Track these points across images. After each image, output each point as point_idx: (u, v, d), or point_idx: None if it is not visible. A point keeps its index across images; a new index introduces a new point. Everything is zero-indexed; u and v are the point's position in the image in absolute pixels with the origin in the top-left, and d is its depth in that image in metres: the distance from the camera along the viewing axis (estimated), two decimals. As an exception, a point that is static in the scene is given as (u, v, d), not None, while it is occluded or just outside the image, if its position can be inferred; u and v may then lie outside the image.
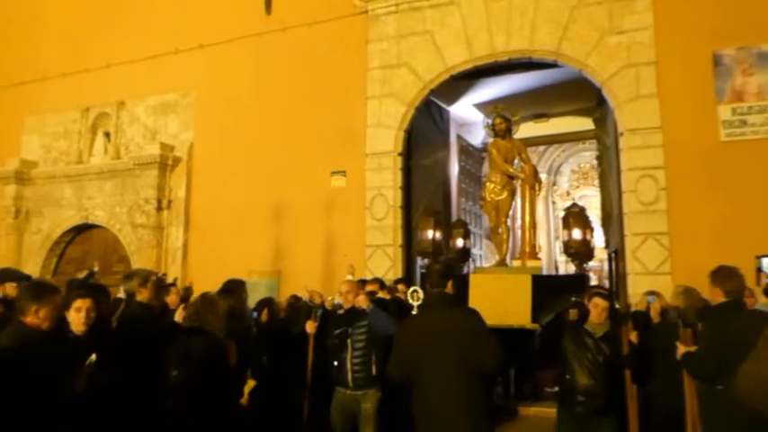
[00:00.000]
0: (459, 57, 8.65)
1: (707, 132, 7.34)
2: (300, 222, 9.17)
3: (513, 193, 8.57)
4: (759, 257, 6.42)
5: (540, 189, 8.89)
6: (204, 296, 3.87)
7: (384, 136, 8.93)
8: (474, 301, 5.97)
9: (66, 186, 11.37)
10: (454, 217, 10.56)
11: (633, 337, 4.52)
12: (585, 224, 7.62)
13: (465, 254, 9.30)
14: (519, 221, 10.11)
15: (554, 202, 18.70)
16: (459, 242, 9.20)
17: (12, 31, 12.54)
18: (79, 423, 2.98)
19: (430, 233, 8.59)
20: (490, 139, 9.43)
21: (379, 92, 9.04)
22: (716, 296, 3.74)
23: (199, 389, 3.36)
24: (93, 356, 3.20)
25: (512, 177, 8.63)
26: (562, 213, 8.62)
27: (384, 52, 9.11)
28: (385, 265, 8.51)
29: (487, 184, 8.42)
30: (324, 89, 9.39)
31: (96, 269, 8.63)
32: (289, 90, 9.69)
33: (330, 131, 9.20)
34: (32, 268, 11.15)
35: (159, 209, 10.28)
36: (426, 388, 3.25)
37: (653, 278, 7.21)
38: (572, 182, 20.26)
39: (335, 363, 4.81)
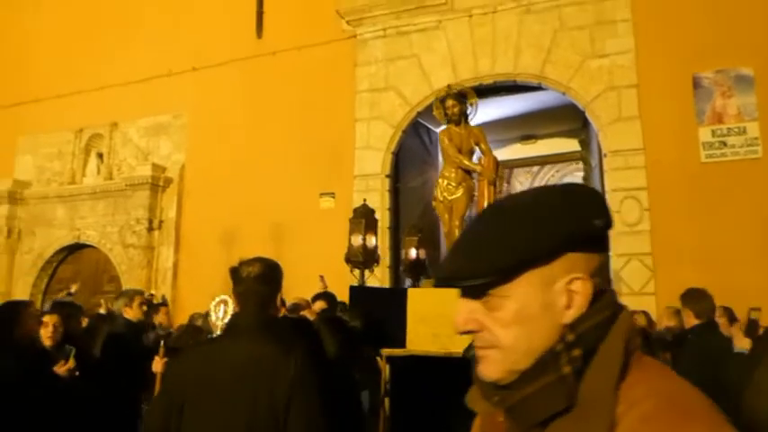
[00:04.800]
0: (445, 80, 8.74)
1: (688, 154, 7.47)
2: (289, 243, 9.24)
3: (470, 191, 6.70)
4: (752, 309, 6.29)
5: (501, 185, 7.26)
6: (190, 325, 3.98)
7: (372, 158, 9.05)
8: (412, 322, 5.19)
9: (58, 206, 11.45)
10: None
11: None
12: None
13: (419, 266, 7.99)
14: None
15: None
16: (413, 252, 7.85)
17: (6, 52, 12.68)
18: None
19: (414, 252, 7.93)
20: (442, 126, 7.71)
21: (368, 114, 9.18)
22: (687, 318, 3.83)
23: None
24: (73, 350, 3.30)
25: (468, 172, 6.74)
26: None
27: (372, 76, 9.26)
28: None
29: (439, 180, 6.65)
30: (313, 111, 9.52)
31: (74, 291, 8.69)
32: (279, 112, 9.83)
33: (319, 153, 9.31)
34: (24, 288, 11.20)
35: (150, 229, 10.35)
36: None
37: (638, 299, 7.28)
38: (565, 202, 20.41)
39: None
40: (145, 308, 7.05)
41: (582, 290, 0.88)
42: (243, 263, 2.36)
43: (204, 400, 2.11)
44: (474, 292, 0.90)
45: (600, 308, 0.89)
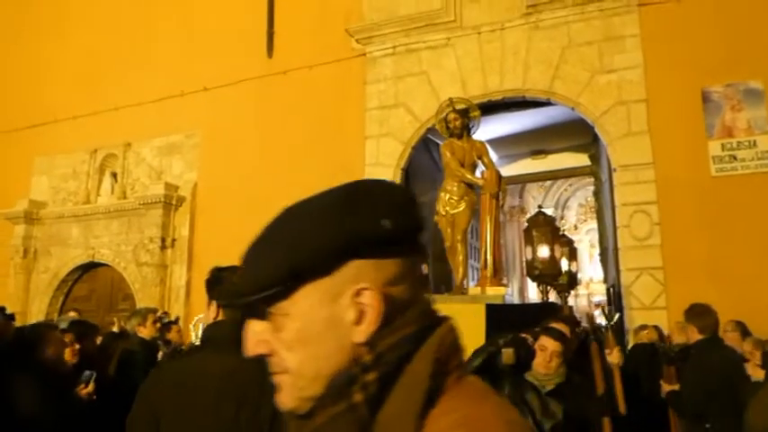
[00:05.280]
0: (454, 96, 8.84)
1: (698, 168, 7.45)
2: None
3: (472, 205, 6.69)
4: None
5: (504, 199, 7.05)
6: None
7: (382, 174, 9.09)
8: None
9: (73, 226, 11.58)
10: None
11: (615, 356, 3.59)
12: (554, 238, 5.70)
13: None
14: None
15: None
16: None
17: (23, 75, 12.91)
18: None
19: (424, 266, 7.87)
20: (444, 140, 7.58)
21: (377, 131, 9.25)
22: (691, 333, 3.85)
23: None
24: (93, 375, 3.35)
25: (470, 185, 6.73)
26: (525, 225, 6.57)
27: (382, 93, 9.34)
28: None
29: (441, 194, 6.58)
30: (323, 129, 9.60)
31: (73, 314, 8.67)
32: (290, 130, 9.92)
33: (330, 170, 9.35)
34: (40, 307, 11.32)
35: (163, 247, 10.45)
36: None
37: (649, 313, 7.26)
38: (579, 215, 20.34)
39: None
40: (158, 325, 7.15)
41: (371, 302, 0.77)
42: (221, 269, 2.20)
43: (184, 415, 1.96)
44: (255, 311, 0.80)
45: (403, 323, 0.78)
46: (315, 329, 0.78)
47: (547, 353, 3.21)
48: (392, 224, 0.80)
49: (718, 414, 3.51)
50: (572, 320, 4.54)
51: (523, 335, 3.50)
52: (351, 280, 0.78)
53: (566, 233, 18.14)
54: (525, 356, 3.30)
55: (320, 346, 0.78)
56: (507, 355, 3.33)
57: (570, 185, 19.41)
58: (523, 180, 13.01)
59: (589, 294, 17.92)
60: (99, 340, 5.83)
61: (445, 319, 0.84)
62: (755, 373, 3.35)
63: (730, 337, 4.99)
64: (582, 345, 3.51)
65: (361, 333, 0.77)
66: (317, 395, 0.77)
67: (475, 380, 0.82)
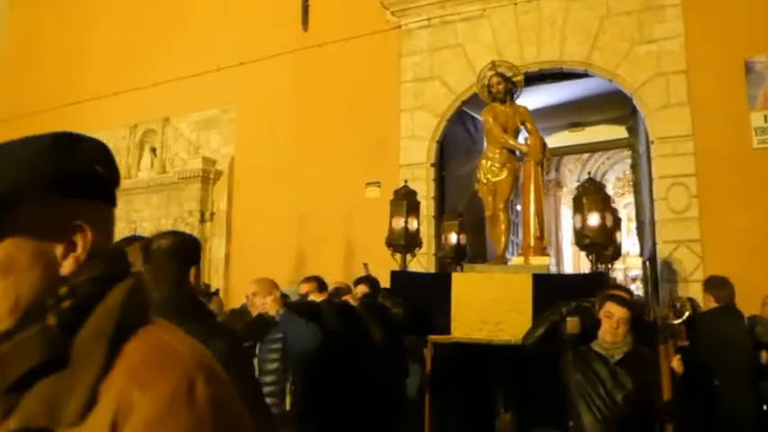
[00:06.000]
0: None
1: (739, 140, 7.31)
2: (336, 232, 9.41)
3: (515, 173, 6.27)
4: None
5: (548, 167, 6.88)
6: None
7: (417, 147, 9.13)
8: (457, 309, 4.88)
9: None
10: (489, 226, 10.57)
11: (676, 364, 3.22)
12: (605, 206, 5.34)
13: (460, 251, 7.42)
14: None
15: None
16: (453, 237, 7.26)
17: (65, 54, 13.19)
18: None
19: (454, 237, 7.21)
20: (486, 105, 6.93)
21: (412, 104, 9.25)
22: (708, 302, 4.02)
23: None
24: None
25: (513, 152, 6.36)
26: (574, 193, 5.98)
27: (417, 65, 9.32)
28: (419, 273, 8.65)
29: (483, 162, 6.22)
30: (358, 102, 9.65)
31: None
32: (325, 103, 9.99)
33: (365, 143, 9.44)
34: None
35: (202, 221, 10.68)
36: None
37: (685, 285, 7.22)
38: (617, 189, 20.06)
39: None
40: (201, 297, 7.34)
41: (82, 240, 0.80)
42: (154, 236, 2.17)
43: None
44: None
45: (102, 264, 0.82)
46: (19, 262, 0.77)
47: (614, 319, 3.02)
48: (104, 171, 0.87)
49: (725, 373, 3.64)
50: (629, 291, 4.44)
51: (580, 304, 3.33)
52: (66, 216, 0.80)
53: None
54: (590, 326, 3.13)
55: (23, 279, 0.77)
56: (572, 323, 3.19)
57: (608, 159, 19.13)
58: (560, 153, 12.92)
59: (625, 269, 17.76)
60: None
61: (137, 273, 0.88)
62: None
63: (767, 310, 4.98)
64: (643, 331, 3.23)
65: (67, 266, 0.79)
66: (9, 328, 0.76)
67: (163, 320, 0.85)
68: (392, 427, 4.45)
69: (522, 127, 6.36)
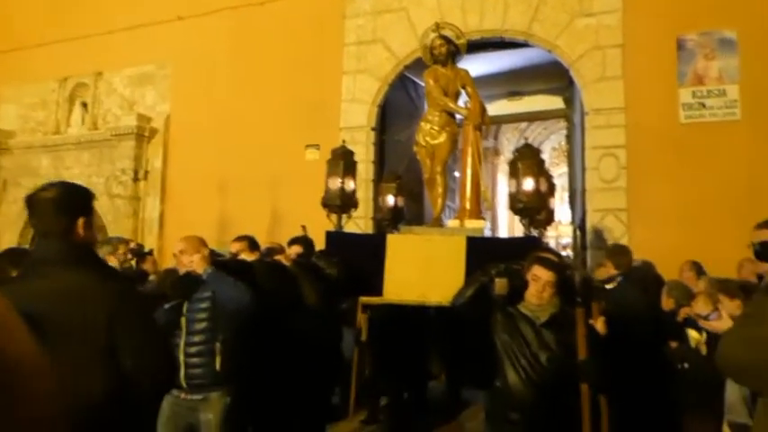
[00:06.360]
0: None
1: (668, 114, 7.57)
2: (275, 194, 9.33)
3: (454, 137, 6.23)
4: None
5: (487, 132, 6.64)
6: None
7: (358, 111, 9.09)
8: (391, 270, 4.85)
9: (43, 156, 11.42)
10: (428, 192, 10.68)
11: (600, 325, 3.19)
12: (540, 171, 5.44)
13: (397, 213, 7.44)
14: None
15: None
16: (390, 199, 7.24)
17: (-11, -2, 12.47)
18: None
19: (391, 199, 7.22)
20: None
21: (355, 67, 9.18)
22: (608, 269, 4.27)
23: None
24: None
25: (453, 116, 6.26)
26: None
27: (360, 28, 9.23)
28: (356, 237, 8.69)
29: (422, 124, 6.12)
30: (300, 64, 9.50)
31: None
32: (265, 63, 9.80)
33: (305, 106, 9.33)
34: (10, 237, 11.24)
35: (136, 179, 10.40)
36: None
37: (612, 254, 7.50)
38: (552, 159, 20.51)
39: None
40: (130, 256, 7.20)
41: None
42: (38, 189, 2.13)
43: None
44: None
45: None
46: None
47: (540, 283, 3.06)
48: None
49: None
50: (558, 254, 4.53)
51: (509, 266, 3.33)
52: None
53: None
54: (519, 287, 3.15)
55: None
56: (501, 284, 3.23)
57: (545, 129, 19.52)
58: (499, 121, 13.10)
59: (558, 236, 18.31)
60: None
61: None
62: (701, 309, 3.50)
63: (686, 277, 5.23)
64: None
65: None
66: None
67: None
68: (325, 390, 4.51)
69: (462, 90, 6.33)
